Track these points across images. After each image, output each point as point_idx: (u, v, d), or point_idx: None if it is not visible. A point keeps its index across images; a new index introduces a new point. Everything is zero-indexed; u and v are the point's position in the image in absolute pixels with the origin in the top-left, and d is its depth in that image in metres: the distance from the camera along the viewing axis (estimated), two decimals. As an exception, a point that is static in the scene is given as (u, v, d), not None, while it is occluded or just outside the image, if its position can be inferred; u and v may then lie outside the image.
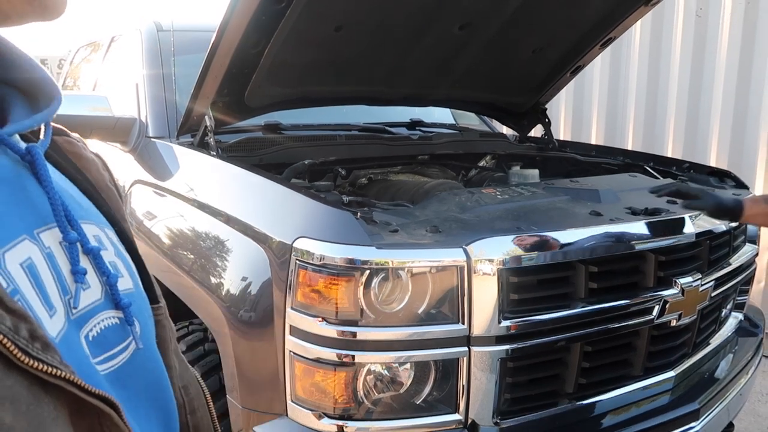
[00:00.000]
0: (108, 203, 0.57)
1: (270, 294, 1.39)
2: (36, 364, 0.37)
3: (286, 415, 1.36)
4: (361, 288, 1.26)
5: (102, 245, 0.51)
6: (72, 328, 0.44)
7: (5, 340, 0.35)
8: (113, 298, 0.49)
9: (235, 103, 2.05)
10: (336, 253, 1.27)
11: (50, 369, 0.37)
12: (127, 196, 2.18)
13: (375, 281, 1.27)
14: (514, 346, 1.34)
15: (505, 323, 1.32)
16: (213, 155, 1.91)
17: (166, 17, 2.80)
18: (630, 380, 1.60)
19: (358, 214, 1.38)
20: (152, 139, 2.23)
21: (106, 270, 0.49)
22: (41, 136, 0.49)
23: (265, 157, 2.09)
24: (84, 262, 0.47)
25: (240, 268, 1.54)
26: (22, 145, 0.46)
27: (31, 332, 0.37)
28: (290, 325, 1.32)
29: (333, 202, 1.48)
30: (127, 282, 0.52)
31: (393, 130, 2.59)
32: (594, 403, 1.49)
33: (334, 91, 2.34)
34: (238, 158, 1.97)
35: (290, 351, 1.32)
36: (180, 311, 1.81)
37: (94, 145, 2.65)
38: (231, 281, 1.54)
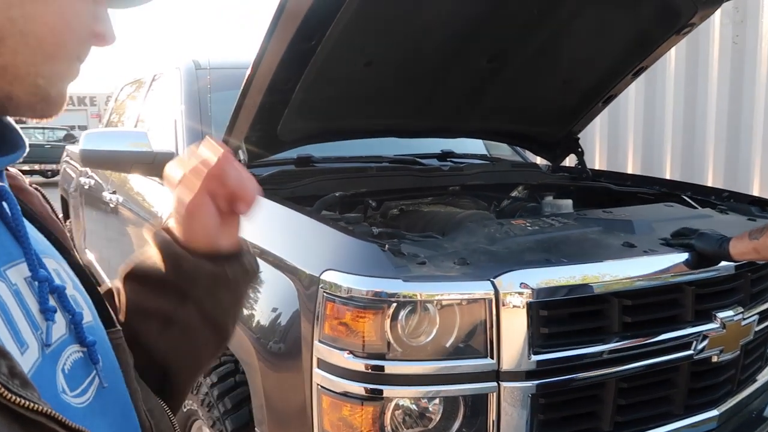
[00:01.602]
0: (55, 234, 0.58)
1: (298, 326, 1.40)
2: (17, 400, 0.37)
3: (314, 449, 1.35)
4: (388, 321, 1.26)
5: (62, 280, 0.52)
6: (47, 363, 0.45)
7: None
8: (77, 335, 0.50)
9: (267, 137, 2.10)
10: (363, 285, 1.28)
11: (32, 405, 0.38)
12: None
13: (402, 314, 1.26)
14: (545, 381, 1.31)
15: (536, 358, 1.29)
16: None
17: (204, 55, 2.90)
18: (671, 419, 1.53)
19: (386, 246, 1.38)
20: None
21: (71, 308, 0.50)
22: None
23: (297, 190, 2.12)
24: (51, 300, 0.48)
25: (270, 300, 1.55)
26: None
27: (11, 369, 0.38)
28: (318, 358, 1.32)
29: (361, 234, 1.49)
30: (88, 315, 0.54)
31: (424, 161, 2.60)
32: (633, 443, 1.43)
33: (364, 123, 2.37)
34: (271, 191, 2.00)
35: (318, 384, 1.32)
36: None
37: (136, 179, 2.75)
38: (261, 313, 1.55)
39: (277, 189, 2.09)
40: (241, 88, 1.88)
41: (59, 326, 0.48)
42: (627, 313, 1.40)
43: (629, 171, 4.09)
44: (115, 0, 0.57)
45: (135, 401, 0.57)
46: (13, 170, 0.61)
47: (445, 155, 2.79)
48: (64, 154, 5.06)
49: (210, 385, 1.74)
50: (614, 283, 1.38)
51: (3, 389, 0.36)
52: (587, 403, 1.40)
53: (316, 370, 1.32)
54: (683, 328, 1.48)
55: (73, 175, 4.28)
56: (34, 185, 0.63)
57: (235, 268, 0.67)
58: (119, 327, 0.60)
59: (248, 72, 1.82)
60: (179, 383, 0.69)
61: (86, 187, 3.74)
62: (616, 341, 1.38)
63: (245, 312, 1.60)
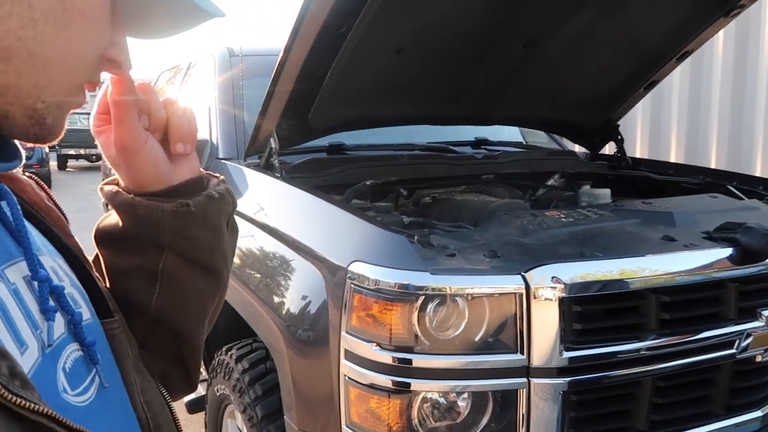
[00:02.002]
0: (49, 222, 0.57)
1: (327, 316, 1.39)
2: (17, 400, 0.36)
3: (341, 439, 1.35)
4: (416, 314, 1.24)
5: (60, 278, 0.51)
6: (48, 362, 0.44)
7: None
8: (76, 335, 0.49)
9: (299, 125, 2.10)
10: (390, 277, 1.26)
11: (33, 405, 0.37)
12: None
13: (430, 307, 1.24)
14: (578, 378, 1.28)
15: (568, 354, 1.26)
16: (277, 177, 1.95)
17: (238, 42, 2.91)
18: (711, 419, 1.47)
19: (415, 237, 1.36)
20: (221, 161, 2.31)
21: (69, 309, 0.49)
22: None
23: (328, 178, 2.12)
24: (50, 300, 0.47)
25: (300, 288, 1.55)
26: None
27: (11, 369, 0.37)
28: (345, 349, 1.31)
29: (389, 225, 1.47)
30: (86, 312, 0.53)
31: (457, 149, 2.56)
32: (668, 443, 1.38)
33: (396, 111, 2.34)
34: (302, 179, 2.00)
35: (345, 375, 1.32)
36: (241, 329, 1.86)
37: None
38: (291, 300, 1.56)
39: (308, 177, 2.09)
40: (272, 75, 1.87)
41: (59, 325, 0.47)
42: (665, 310, 1.34)
43: (672, 160, 3.95)
44: (136, 30, 0.55)
45: (131, 393, 0.56)
46: None
47: (479, 143, 2.74)
48: None
49: (241, 371, 1.76)
50: (652, 278, 1.33)
51: (3, 390, 0.36)
52: (621, 401, 1.36)
53: (343, 361, 1.32)
54: (725, 326, 1.42)
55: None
56: (27, 173, 0.61)
57: (200, 200, 0.62)
58: (116, 317, 0.58)
59: (279, 59, 1.81)
60: (191, 338, 0.67)
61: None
62: (653, 339, 1.33)
63: (276, 300, 1.61)
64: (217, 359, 1.95)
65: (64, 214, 0.62)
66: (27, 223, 0.53)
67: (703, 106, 3.90)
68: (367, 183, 2.03)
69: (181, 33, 0.58)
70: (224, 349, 1.92)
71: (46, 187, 0.62)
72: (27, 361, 0.42)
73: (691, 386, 1.44)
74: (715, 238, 1.49)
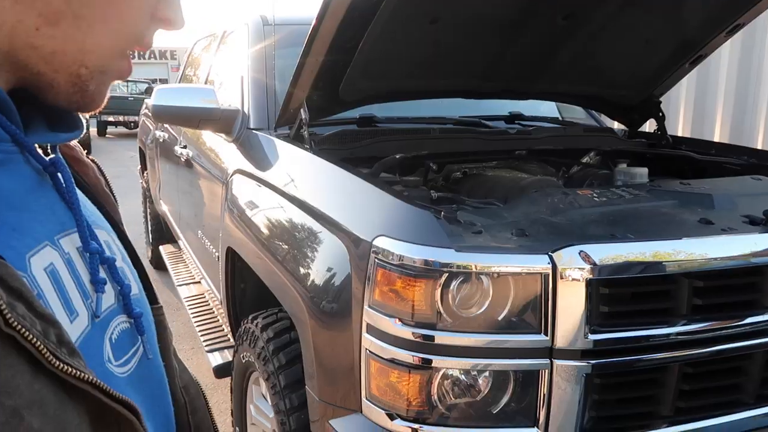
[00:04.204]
0: (106, 207, 0.58)
1: (350, 289, 1.39)
2: (65, 368, 0.37)
3: (361, 411, 1.36)
4: (439, 291, 1.23)
5: (112, 252, 0.52)
6: (96, 332, 0.45)
7: (38, 343, 0.36)
8: (125, 306, 0.50)
9: (329, 96, 2.08)
10: (414, 253, 1.25)
11: (79, 373, 0.38)
12: (229, 183, 2.29)
13: (453, 285, 1.23)
14: (602, 362, 1.25)
15: (593, 337, 1.23)
16: (306, 148, 1.95)
17: (272, 11, 2.88)
18: (740, 407, 1.43)
19: (441, 213, 1.34)
20: (253, 131, 2.32)
21: (120, 280, 0.50)
22: (50, 152, 0.50)
23: (356, 151, 2.10)
24: (101, 271, 0.48)
25: (326, 260, 1.55)
26: (46, 156, 0.48)
27: (59, 337, 0.38)
28: (367, 323, 1.32)
29: (415, 200, 1.45)
30: (134, 288, 0.54)
31: (490, 123, 2.51)
32: (695, 430, 1.35)
33: (428, 84, 2.30)
34: (330, 151, 1.99)
35: (366, 349, 1.32)
36: (267, 299, 1.88)
37: (206, 134, 2.81)
38: (316, 272, 1.56)
39: (338, 149, 2.08)
40: (304, 45, 1.85)
41: (108, 297, 0.48)
42: (698, 296, 1.30)
43: (716, 139, 3.80)
44: None
45: (171, 377, 0.57)
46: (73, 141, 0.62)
47: (512, 117, 2.68)
48: (143, 107, 5.26)
49: (266, 340, 1.79)
50: (685, 263, 1.29)
51: (51, 356, 0.36)
52: (646, 386, 1.33)
53: (365, 335, 1.32)
54: (761, 314, 1.37)
55: (150, 127, 4.45)
56: (90, 157, 0.63)
57: None
58: (160, 304, 0.60)
59: (311, 29, 1.79)
60: None
61: (161, 140, 3.88)
62: (684, 324, 1.29)
63: (301, 271, 1.62)
64: (243, 327, 1.98)
65: (116, 202, 0.64)
66: (84, 198, 0.54)
67: (752, 84, 3.72)
68: (397, 156, 2.01)
69: None
70: (250, 317, 1.95)
71: (105, 174, 0.65)
72: (76, 330, 0.43)
73: (721, 374, 1.40)
74: (756, 222, 1.43)
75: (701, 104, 4.04)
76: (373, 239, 1.32)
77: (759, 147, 3.48)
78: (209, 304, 3.07)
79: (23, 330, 0.35)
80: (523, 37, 2.12)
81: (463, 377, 1.27)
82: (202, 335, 2.71)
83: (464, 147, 2.28)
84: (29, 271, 0.40)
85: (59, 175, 0.48)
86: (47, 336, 0.37)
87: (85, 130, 0.53)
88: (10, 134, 0.43)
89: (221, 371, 2.39)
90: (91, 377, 0.38)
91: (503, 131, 2.44)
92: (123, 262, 0.54)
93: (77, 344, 0.41)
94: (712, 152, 2.47)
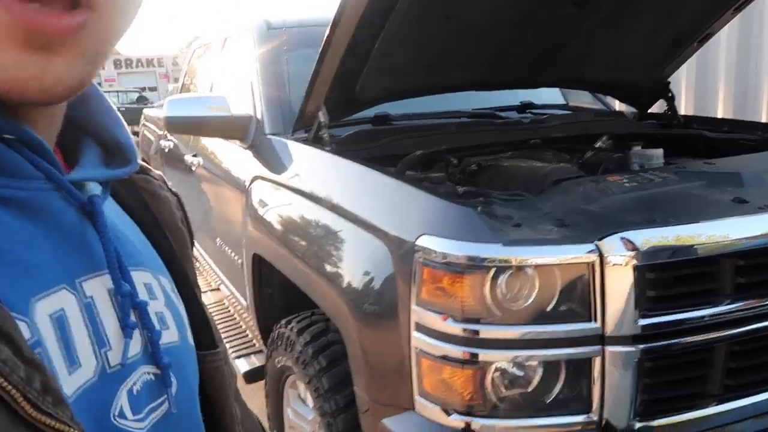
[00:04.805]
0: (174, 244, 0.56)
1: (394, 289, 1.40)
2: (44, 418, 0.34)
3: (413, 409, 1.37)
4: (487, 286, 1.24)
5: (153, 295, 0.50)
6: (107, 383, 0.42)
7: (14, 392, 0.33)
8: (153, 355, 0.47)
9: (347, 97, 2.08)
10: (460, 250, 1.26)
11: (59, 425, 0.35)
12: (249, 190, 2.29)
13: (501, 279, 1.24)
14: (652, 345, 1.27)
15: (642, 322, 1.25)
16: (327, 150, 1.95)
17: (275, 15, 2.88)
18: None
19: (479, 208, 1.35)
20: (269, 136, 2.32)
21: (150, 325, 0.47)
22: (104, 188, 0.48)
23: (375, 150, 2.11)
24: (132, 316, 0.45)
25: (362, 263, 1.56)
26: (86, 193, 0.45)
27: (44, 384, 0.35)
28: (416, 322, 1.33)
29: (452, 196, 1.47)
30: (173, 335, 0.50)
31: (503, 114, 2.52)
32: (743, 407, 1.37)
33: (443, 79, 2.30)
34: (350, 152, 2.00)
35: (416, 347, 1.33)
36: (295, 302, 1.89)
37: (216, 142, 2.81)
38: (353, 275, 1.57)
39: (357, 149, 2.08)
40: (320, 50, 1.86)
41: (135, 344, 0.45)
42: (741, 275, 1.32)
43: (720, 115, 3.82)
44: None
45: (230, 426, 0.55)
46: (155, 173, 0.59)
47: (524, 107, 2.69)
48: (142, 118, 5.24)
49: (304, 344, 1.80)
50: (726, 243, 1.30)
51: (28, 404, 0.34)
52: (695, 366, 1.35)
53: (414, 333, 1.33)
54: (801, 288, 1.39)
55: (152, 138, 4.43)
56: (173, 190, 0.61)
57: None
58: (219, 348, 0.57)
59: (326, 34, 1.79)
60: None
61: (166, 150, 3.87)
62: (728, 303, 1.31)
63: (339, 273, 1.62)
64: (276, 332, 1.99)
65: (192, 237, 0.62)
66: (139, 236, 0.52)
67: (752, 58, 3.74)
68: (418, 153, 2.01)
69: None
70: (284, 322, 1.96)
71: (185, 208, 0.62)
72: (74, 380, 0.40)
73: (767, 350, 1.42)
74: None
75: (702, 81, 4.06)
76: (416, 239, 1.33)
77: (764, 120, 3.51)
78: (230, 311, 3.07)
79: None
80: (535, 27, 2.12)
81: (515, 369, 1.29)
82: (227, 342, 2.71)
83: (481, 139, 2.29)
84: (30, 315, 0.38)
85: (97, 213, 0.45)
86: (30, 383, 0.34)
87: (134, 164, 0.50)
88: (44, 172, 0.41)
89: (252, 376, 2.40)
90: (71, 430, 0.35)
91: (517, 121, 2.45)
92: (165, 307, 0.51)
93: (75, 395, 0.39)
94: (725, 129, 2.49)
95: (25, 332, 0.36)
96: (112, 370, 0.43)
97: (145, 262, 0.51)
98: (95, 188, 0.46)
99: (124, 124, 0.52)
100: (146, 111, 5.28)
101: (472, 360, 1.27)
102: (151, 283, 0.50)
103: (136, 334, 0.45)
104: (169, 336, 0.50)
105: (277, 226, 2.00)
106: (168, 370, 0.47)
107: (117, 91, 16.96)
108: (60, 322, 0.39)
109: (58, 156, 0.46)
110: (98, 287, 0.44)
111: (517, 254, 1.23)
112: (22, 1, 0.33)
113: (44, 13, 0.34)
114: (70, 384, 0.39)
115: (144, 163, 0.57)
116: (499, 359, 1.27)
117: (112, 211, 0.50)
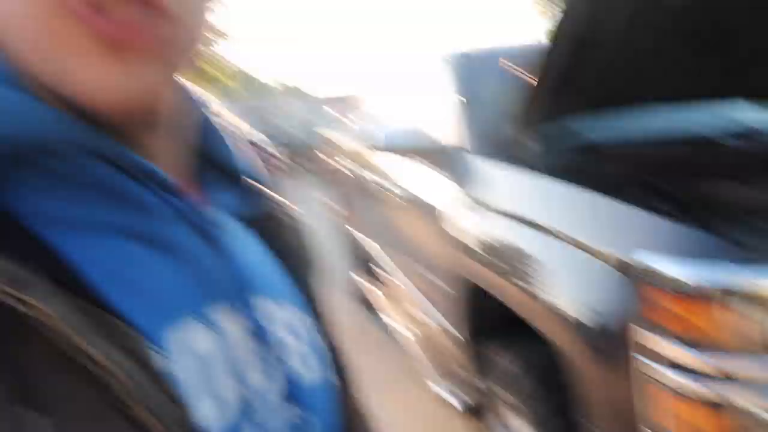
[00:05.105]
0: (306, 275, 0.53)
1: (622, 317, 1.34)
2: None
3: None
4: (735, 316, 1.13)
5: (295, 334, 0.46)
6: (247, 424, 0.39)
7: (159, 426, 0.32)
8: (290, 395, 0.43)
9: (551, 120, 2.05)
10: (696, 275, 1.17)
11: None
12: (456, 217, 2.32)
13: (747, 307, 1.12)
14: None
15: None
16: (540, 173, 1.92)
17: (465, 44, 3.00)
18: None
19: (712, 229, 1.25)
20: (474, 160, 2.35)
21: (289, 363, 0.44)
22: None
23: (592, 174, 2.02)
24: (269, 352, 0.43)
25: (588, 288, 1.50)
26: (215, 224, 0.44)
27: (180, 420, 0.34)
28: (649, 350, 1.25)
29: (676, 216, 1.37)
30: (314, 374, 0.47)
31: (722, 135, 2.27)
32: None
33: (652, 92, 2.16)
34: (565, 177, 1.94)
35: (649, 376, 1.25)
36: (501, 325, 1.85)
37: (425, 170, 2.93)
38: (577, 299, 1.51)
39: (572, 175, 2.01)
40: (529, 78, 1.85)
41: (274, 383, 0.42)
42: None
43: None
44: None
45: None
46: (282, 199, 0.57)
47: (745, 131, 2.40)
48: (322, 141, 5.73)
49: (518, 370, 1.78)
50: None
51: None
52: None
53: (651, 364, 1.25)
54: None
55: (342, 165, 4.73)
56: (304, 218, 0.59)
57: None
58: (351, 388, 0.54)
59: (544, 55, 1.77)
60: None
61: (355, 176, 4.17)
62: None
63: (562, 298, 1.56)
64: (486, 357, 1.99)
65: (317, 266, 0.60)
66: (271, 266, 0.49)
67: None
68: (633, 177, 1.90)
69: None
70: (494, 347, 1.96)
71: (314, 241, 0.61)
72: (215, 418, 0.37)
73: None
74: None
75: None
76: (645, 261, 1.26)
77: None
78: (431, 340, 3.09)
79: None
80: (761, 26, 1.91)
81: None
82: (437, 373, 2.77)
83: (698, 162, 2.08)
84: (167, 346, 0.36)
85: (224, 238, 0.43)
86: (181, 424, 0.34)
87: (263, 197, 0.50)
88: (170, 205, 0.40)
89: (470, 409, 2.41)
90: None
91: (740, 145, 2.19)
92: (307, 345, 0.47)
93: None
94: None
95: (164, 364, 0.35)
96: (252, 409, 0.40)
97: (280, 294, 0.48)
98: (224, 217, 0.45)
99: (249, 153, 0.52)
100: (328, 135, 5.66)
101: (722, 402, 1.15)
102: (292, 319, 0.47)
103: (276, 372, 0.43)
104: (309, 375, 0.46)
105: (491, 253, 1.99)
106: (311, 412, 0.44)
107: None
108: (196, 356, 0.37)
109: (191, 188, 0.45)
110: (232, 320, 0.41)
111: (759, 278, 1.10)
112: (98, 11, 0.33)
113: (122, 22, 0.34)
114: (211, 422, 0.37)
115: (273, 194, 0.55)
116: (756, 402, 1.14)
117: (243, 240, 0.47)
